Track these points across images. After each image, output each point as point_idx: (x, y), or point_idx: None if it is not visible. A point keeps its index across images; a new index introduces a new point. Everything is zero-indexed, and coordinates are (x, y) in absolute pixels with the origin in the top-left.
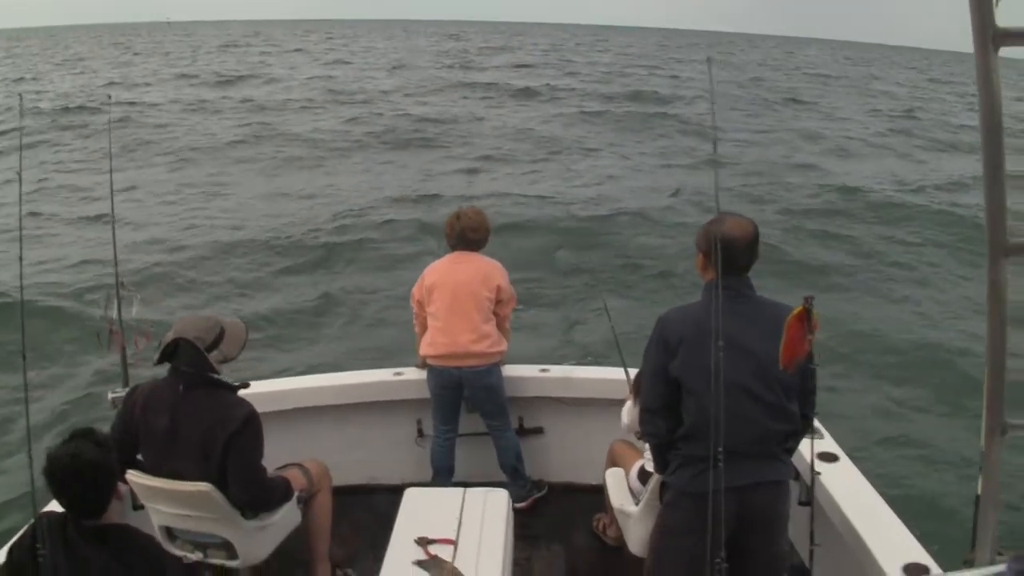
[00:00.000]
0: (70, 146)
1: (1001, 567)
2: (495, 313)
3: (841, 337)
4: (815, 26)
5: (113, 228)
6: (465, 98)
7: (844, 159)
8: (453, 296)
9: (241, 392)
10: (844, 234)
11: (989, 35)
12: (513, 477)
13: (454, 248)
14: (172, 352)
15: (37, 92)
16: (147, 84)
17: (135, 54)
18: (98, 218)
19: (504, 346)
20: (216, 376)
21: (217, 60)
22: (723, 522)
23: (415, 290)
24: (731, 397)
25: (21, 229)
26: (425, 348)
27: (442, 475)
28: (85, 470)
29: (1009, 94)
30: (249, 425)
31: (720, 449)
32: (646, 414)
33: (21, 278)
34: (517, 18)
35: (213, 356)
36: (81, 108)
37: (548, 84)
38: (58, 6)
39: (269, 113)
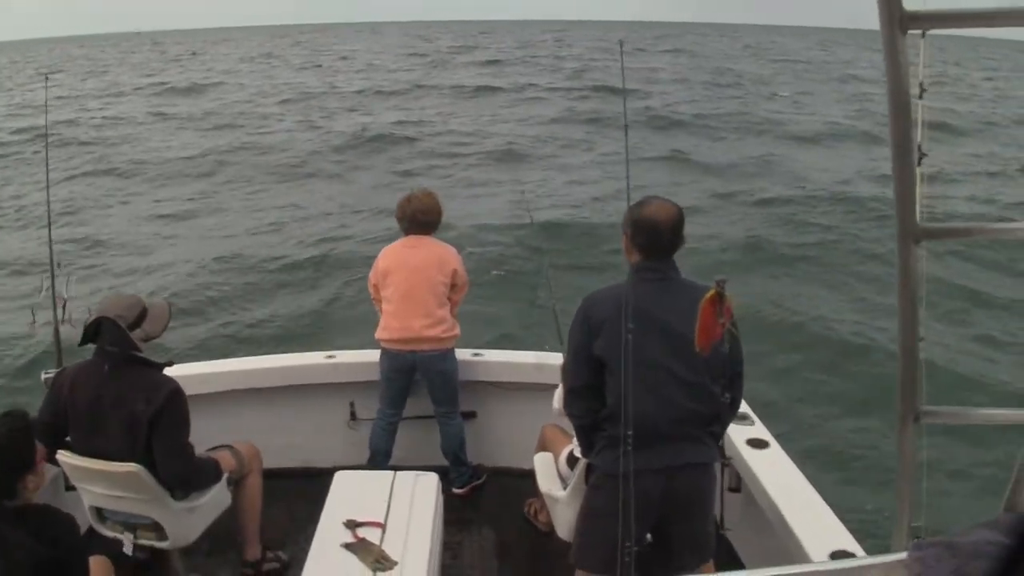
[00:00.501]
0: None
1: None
2: (447, 298)
3: (785, 321)
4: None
5: (48, 209)
6: (443, 95)
7: (808, 147)
8: (408, 280)
9: (172, 372)
10: (807, 223)
11: (896, 17)
12: (455, 463)
13: (406, 232)
14: (95, 332)
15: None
16: (119, 94)
17: (104, 65)
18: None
19: (458, 331)
20: (140, 354)
21: (188, 68)
22: (649, 504)
23: (371, 275)
24: (653, 378)
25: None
26: (379, 332)
27: (379, 457)
28: None
29: (978, 74)
30: (173, 401)
31: (630, 432)
32: (570, 395)
33: None
34: (484, 16)
35: (136, 334)
36: (56, 122)
37: (516, 82)
38: (27, 21)
39: (239, 119)
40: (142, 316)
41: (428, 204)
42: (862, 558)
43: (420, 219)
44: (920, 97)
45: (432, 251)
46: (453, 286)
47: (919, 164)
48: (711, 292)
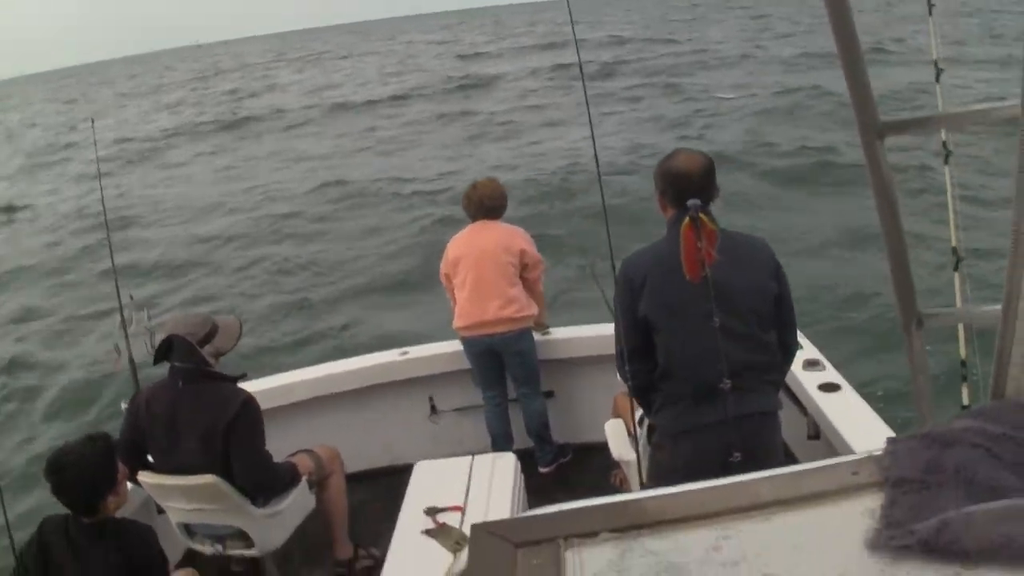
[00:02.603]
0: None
1: None
2: (523, 278)
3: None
4: None
5: (108, 238)
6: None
7: None
8: (478, 265)
9: (249, 387)
10: None
11: (873, 130)
12: (539, 442)
13: (473, 218)
14: (167, 350)
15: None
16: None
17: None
18: None
19: (534, 310)
20: (211, 369)
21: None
22: (722, 454)
23: (442, 266)
24: (703, 332)
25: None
26: (456, 320)
27: (500, 442)
28: (71, 465)
29: None
30: (246, 410)
31: (627, 367)
32: (622, 359)
33: None
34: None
35: (206, 350)
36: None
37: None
38: (81, 45)
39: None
40: (212, 332)
41: (492, 188)
42: (832, 459)
43: (487, 204)
44: (946, 162)
45: (499, 233)
46: (525, 266)
47: (955, 269)
48: (686, 221)
